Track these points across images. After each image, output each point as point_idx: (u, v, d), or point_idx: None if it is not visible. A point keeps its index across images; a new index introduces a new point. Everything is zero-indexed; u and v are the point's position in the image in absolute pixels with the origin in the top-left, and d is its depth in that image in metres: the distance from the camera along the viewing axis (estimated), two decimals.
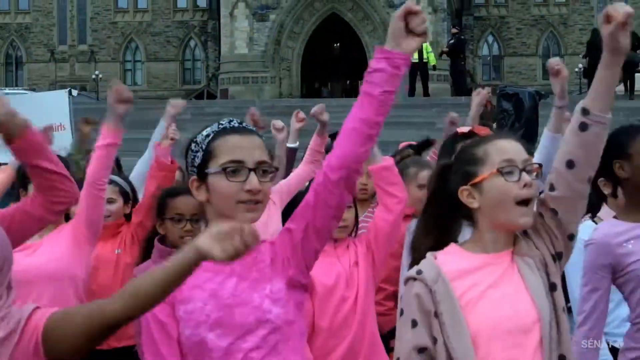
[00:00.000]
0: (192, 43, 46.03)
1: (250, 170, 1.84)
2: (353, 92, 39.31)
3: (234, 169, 1.84)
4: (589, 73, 25.60)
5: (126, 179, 4.44)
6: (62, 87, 20.25)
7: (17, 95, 13.02)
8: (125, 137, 3.72)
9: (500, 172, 1.87)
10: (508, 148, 1.92)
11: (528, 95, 9.64)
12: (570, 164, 1.90)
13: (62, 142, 6.81)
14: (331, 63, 42.55)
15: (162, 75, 44.62)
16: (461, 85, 29.21)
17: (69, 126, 8.35)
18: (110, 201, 3.83)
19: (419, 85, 24.77)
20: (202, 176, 1.88)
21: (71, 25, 44.91)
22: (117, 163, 5.58)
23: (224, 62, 39.54)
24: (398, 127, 17.51)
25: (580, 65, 28.30)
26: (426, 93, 25.08)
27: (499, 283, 1.90)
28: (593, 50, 24.38)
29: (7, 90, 25.09)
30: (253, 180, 1.83)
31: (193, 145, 1.92)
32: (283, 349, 1.83)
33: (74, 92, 11.75)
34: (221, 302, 1.82)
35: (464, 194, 1.93)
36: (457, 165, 1.99)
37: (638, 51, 23.37)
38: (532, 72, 41.27)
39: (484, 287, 1.89)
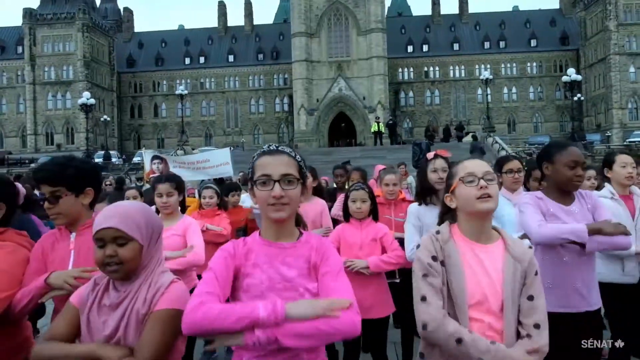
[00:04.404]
0: (282, 125, 70.86)
1: (275, 181, 1.96)
2: (350, 145, 55.54)
3: (264, 181, 1.97)
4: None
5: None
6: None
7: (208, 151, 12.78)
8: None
9: (462, 181, 2.16)
10: (470, 165, 2.19)
11: (425, 144, 15.75)
12: None
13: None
14: (340, 132, 60.46)
15: (270, 141, 56.21)
16: (396, 141, 45.73)
17: (231, 165, 10.09)
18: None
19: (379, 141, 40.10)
20: (252, 185, 2.02)
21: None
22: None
23: (296, 133, 60.86)
24: (373, 159, 27.34)
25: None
26: (381, 143, 40.27)
27: (488, 258, 2.11)
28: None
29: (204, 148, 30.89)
30: (276, 189, 1.95)
31: (250, 163, 2.06)
32: None
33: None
34: (274, 284, 1.93)
35: (447, 200, 2.22)
36: (445, 180, 2.29)
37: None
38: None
39: (478, 253, 2.11)
